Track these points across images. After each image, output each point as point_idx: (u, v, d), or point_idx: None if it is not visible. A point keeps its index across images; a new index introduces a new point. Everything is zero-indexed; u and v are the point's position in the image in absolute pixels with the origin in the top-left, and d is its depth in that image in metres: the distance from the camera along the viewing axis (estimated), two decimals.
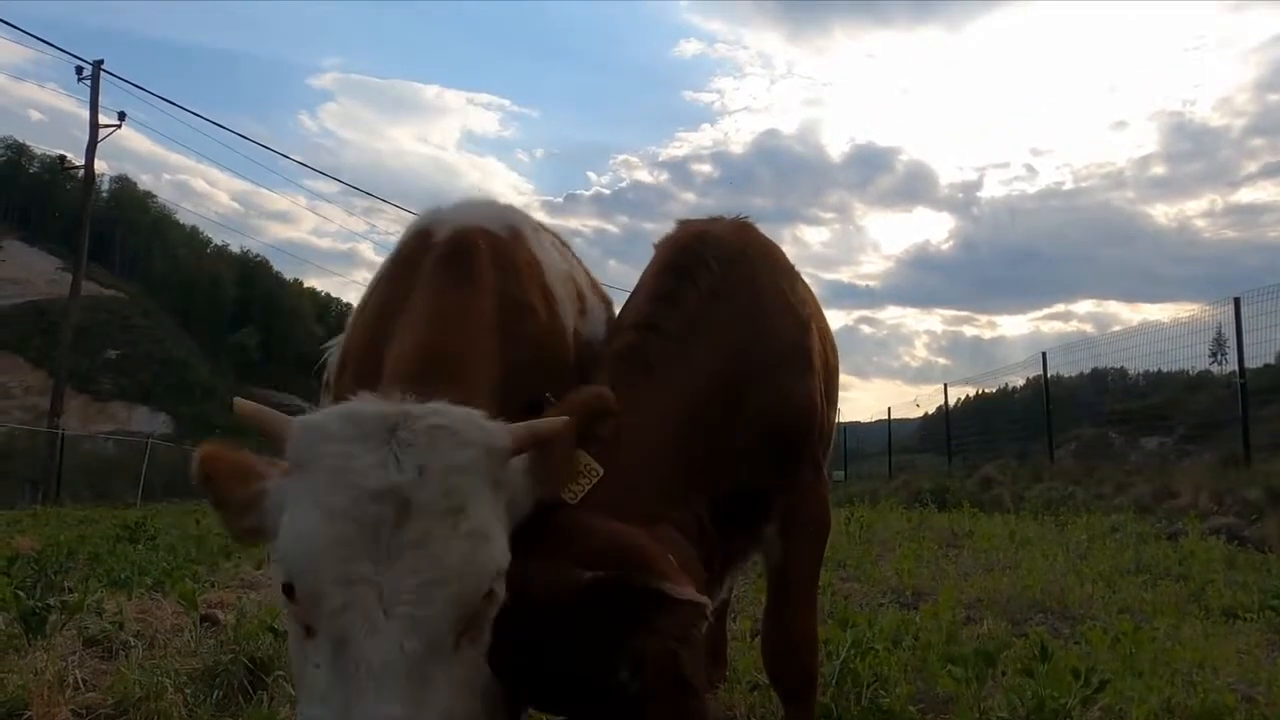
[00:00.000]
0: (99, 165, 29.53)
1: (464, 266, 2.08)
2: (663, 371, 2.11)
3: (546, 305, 2.33)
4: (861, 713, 3.11)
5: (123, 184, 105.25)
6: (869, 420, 35.60)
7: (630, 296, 2.59)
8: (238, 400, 1.61)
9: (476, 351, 1.93)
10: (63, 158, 33.24)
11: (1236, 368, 14.34)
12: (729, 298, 2.29)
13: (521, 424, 1.57)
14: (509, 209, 2.58)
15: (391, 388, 1.65)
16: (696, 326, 2.20)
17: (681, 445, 2.03)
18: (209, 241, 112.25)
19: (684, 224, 2.60)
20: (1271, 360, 16.49)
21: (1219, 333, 16.63)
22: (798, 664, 2.38)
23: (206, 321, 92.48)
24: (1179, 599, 5.77)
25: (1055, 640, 4.25)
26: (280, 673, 3.49)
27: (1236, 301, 14.36)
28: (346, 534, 1.35)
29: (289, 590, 1.39)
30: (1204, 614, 5.28)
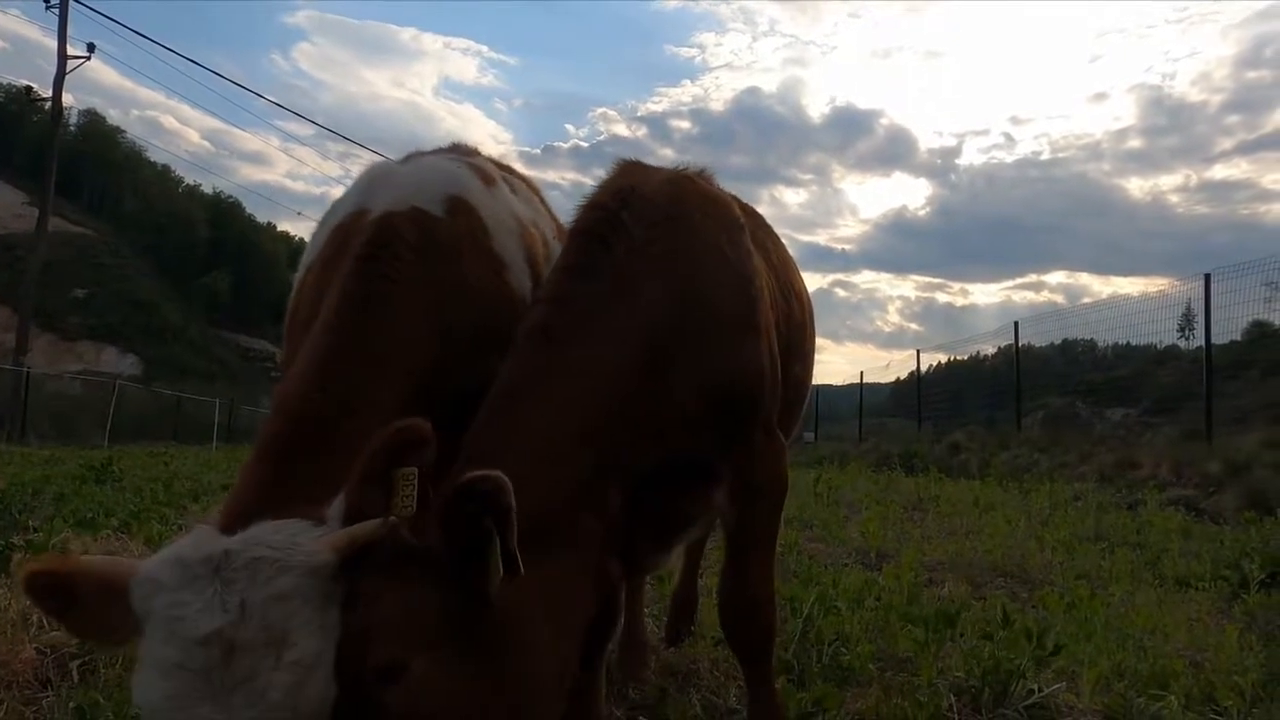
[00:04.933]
0: (67, 98, 28.81)
1: (376, 276, 2.07)
2: (571, 349, 1.98)
3: (494, 275, 2.30)
4: (823, 669, 3.17)
5: (91, 118, 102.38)
6: (841, 384, 35.87)
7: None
8: (79, 559, 1.64)
9: (370, 388, 1.94)
10: (29, 88, 32.31)
11: (1203, 343, 14.57)
12: (654, 260, 2.13)
13: (343, 533, 1.59)
14: (458, 169, 2.50)
15: (265, 455, 1.80)
16: (612, 295, 2.05)
17: (594, 427, 1.92)
18: (180, 181, 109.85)
19: (612, 176, 2.42)
20: (1237, 337, 16.77)
21: (1188, 308, 16.85)
22: (753, 626, 2.35)
23: (177, 262, 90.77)
24: (1135, 567, 5.91)
25: (1013, 604, 4.35)
26: None
27: (1207, 278, 14.53)
28: (183, 684, 1.44)
29: None
30: (1158, 582, 5.42)
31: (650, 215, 2.19)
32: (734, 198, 2.93)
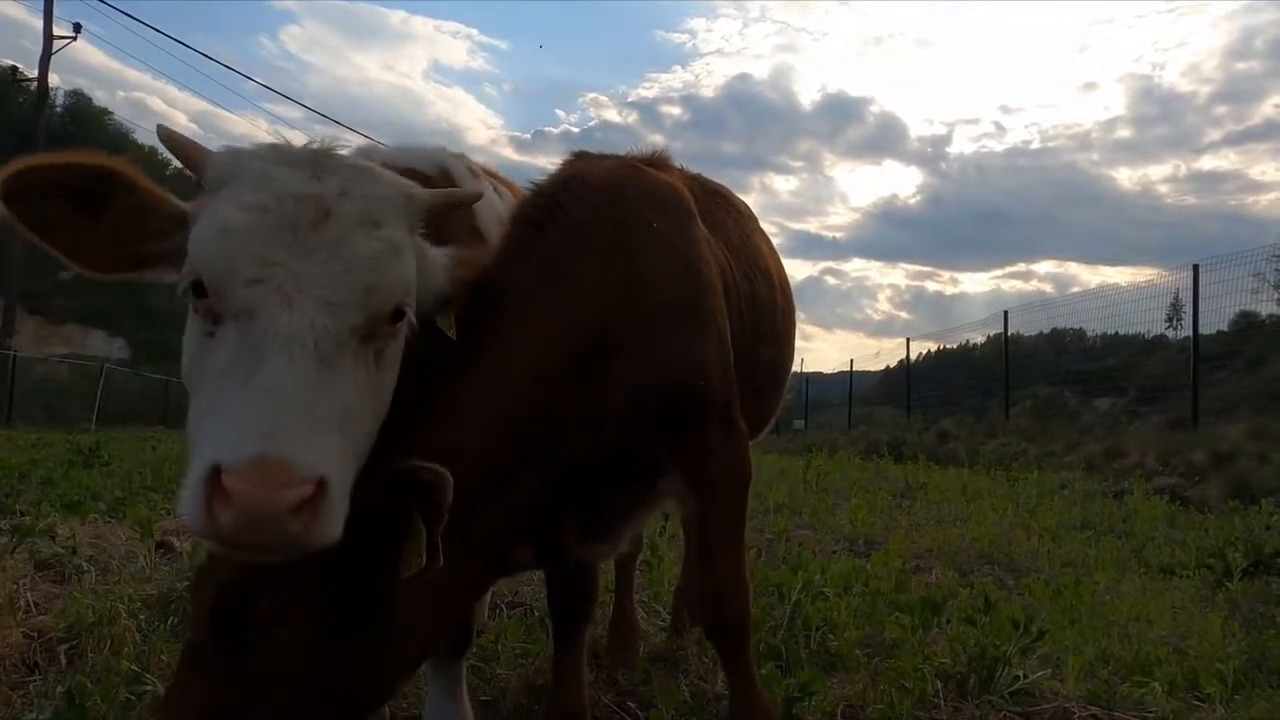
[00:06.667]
0: (52, 78, 28.54)
1: None
2: (494, 333, 1.89)
3: (475, 245, 2.28)
4: (810, 655, 3.19)
5: (78, 99, 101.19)
6: (831, 371, 36.00)
7: None
8: (161, 126, 1.58)
9: None
10: (14, 69, 31.93)
11: (1191, 333, 14.65)
12: (591, 248, 2.04)
13: (440, 191, 1.65)
14: (442, 152, 2.54)
15: None
16: (543, 281, 1.96)
17: (511, 414, 1.84)
18: (168, 163, 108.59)
19: (559, 167, 2.37)
20: (1224, 327, 16.90)
21: (1176, 298, 16.97)
22: (724, 619, 2.28)
23: None
24: (1120, 555, 5.97)
25: (1000, 591, 4.38)
26: None
27: (1195, 268, 14.59)
28: (266, 225, 1.37)
29: (198, 288, 1.39)
30: (1143, 570, 5.47)
31: (590, 201, 2.11)
32: (696, 176, 2.84)
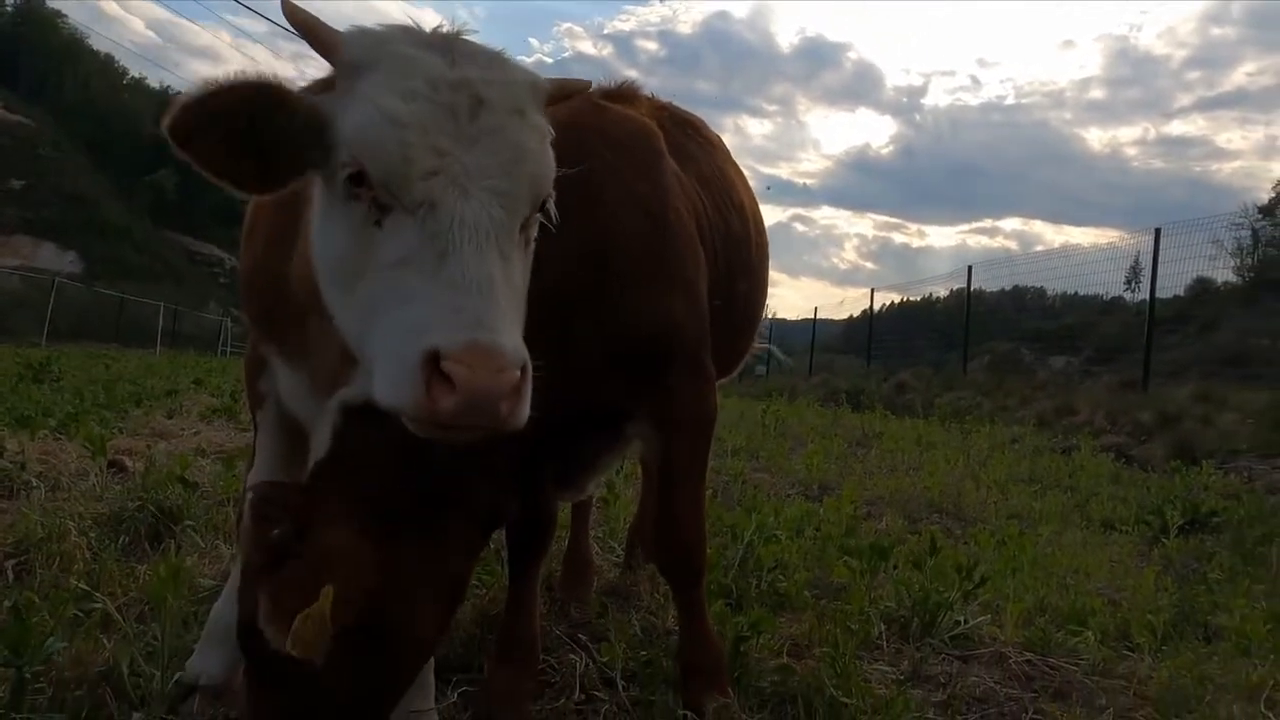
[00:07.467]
0: None
1: None
2: None
3: None
4: (760, 595, 3.26)
5: (30, 0, 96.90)
6: (795, 318, 36.26)
7: None
8: (287, 1, 1.52)
9: None
10: None
11: (1148, 296, 14.92)
12: (557, 202, 1.87)
13: (555, 79, 1.66)
14: None
15: None
16: None
17: None
18: (125, 72, 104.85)
19: None
20: (1180, 292, 17.23)
21: (1136, 261, 17.24)
22: (681, 555, 2.30)
23: (121, 158, 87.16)
24: (1064, 509, 6.15)
25: (946, 539, 4.49)
26: (189, 523, 3.47)
27: (1157, 232, 14.79)
28: (431, 114, 1.37)
29: (358, 176, 1.38)
30: (1085, 524, 5.65)
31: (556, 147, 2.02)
32: (666, 106, 2.77)
